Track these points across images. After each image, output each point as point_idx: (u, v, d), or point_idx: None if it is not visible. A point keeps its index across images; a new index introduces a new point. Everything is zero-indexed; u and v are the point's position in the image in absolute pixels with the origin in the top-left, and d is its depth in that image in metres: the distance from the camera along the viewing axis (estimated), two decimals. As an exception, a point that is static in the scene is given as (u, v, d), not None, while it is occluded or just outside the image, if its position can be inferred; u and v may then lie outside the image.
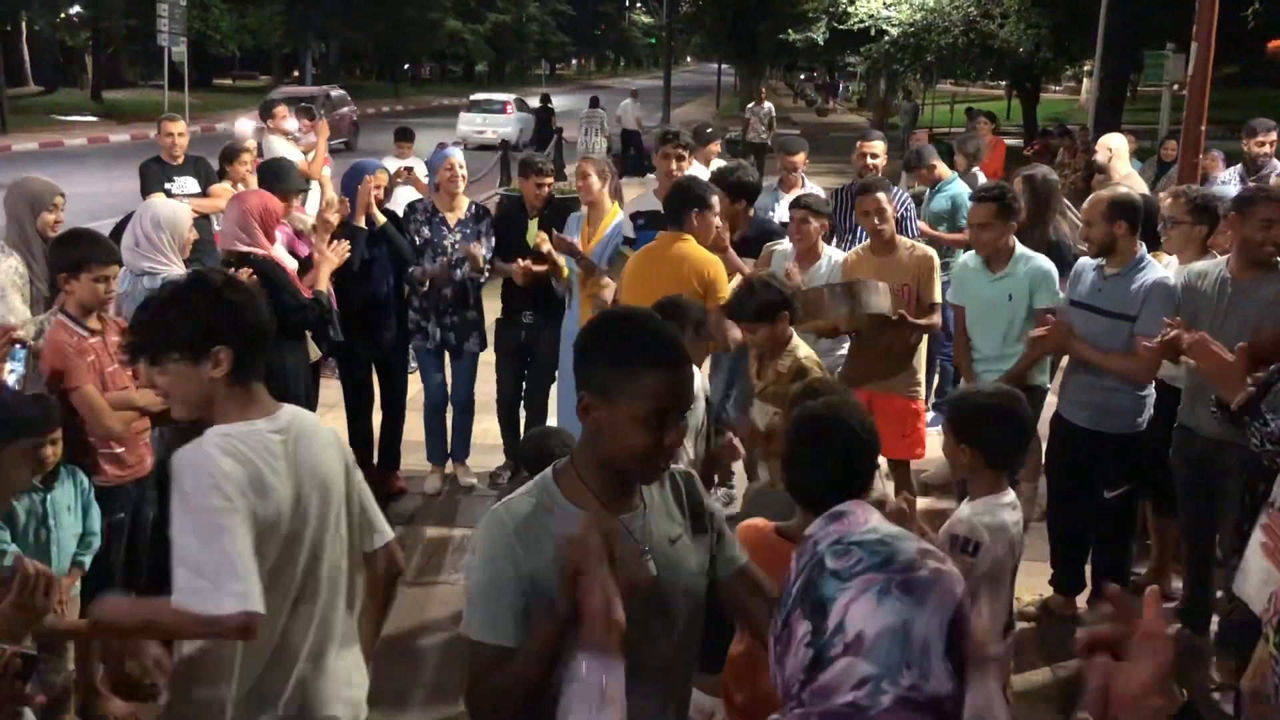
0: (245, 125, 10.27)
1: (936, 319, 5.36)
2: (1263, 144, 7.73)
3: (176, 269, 4.52)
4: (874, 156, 6.81)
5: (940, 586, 1.31)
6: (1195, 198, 4.91)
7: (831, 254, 5.60)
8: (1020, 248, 4.97)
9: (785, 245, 5.59)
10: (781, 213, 6.44)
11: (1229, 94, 30.33)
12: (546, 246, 5.65)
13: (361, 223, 5.66)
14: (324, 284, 5.07)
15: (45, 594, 1.95)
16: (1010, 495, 3.24)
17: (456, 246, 5.92)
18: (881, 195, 5.34)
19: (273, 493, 2.33)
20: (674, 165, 5.87)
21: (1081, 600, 4.91)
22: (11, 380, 2.14)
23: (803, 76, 64.09)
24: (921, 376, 5.41)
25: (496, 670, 1.95)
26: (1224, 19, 6.32)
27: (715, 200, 4.89)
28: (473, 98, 30.66)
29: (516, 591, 1.97)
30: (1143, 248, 4.59)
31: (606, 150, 20.75)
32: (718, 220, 4.93)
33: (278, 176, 5.63)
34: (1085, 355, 4.57)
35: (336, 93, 28.22)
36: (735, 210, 5.59)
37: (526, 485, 2.11)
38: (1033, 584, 5.11)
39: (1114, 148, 7.44)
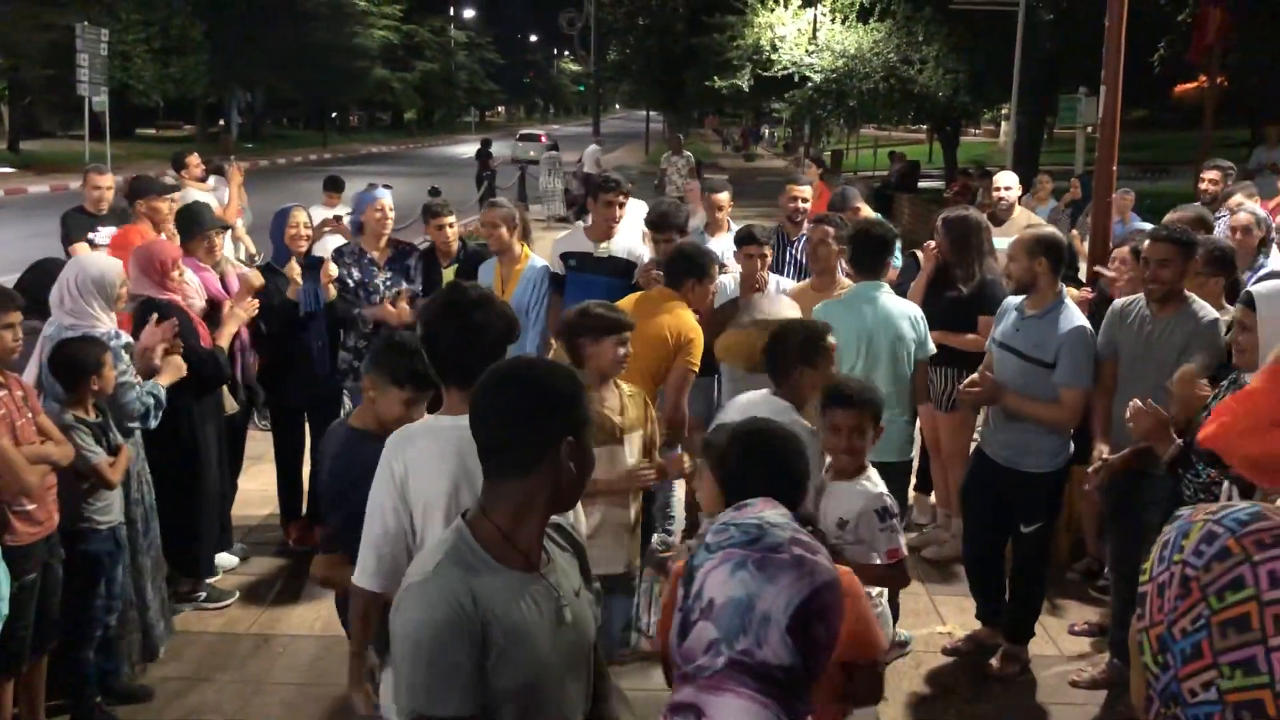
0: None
1: None
2: (1201, 180, 7.87)
3: (106, 325, 4.44)
4: (804, 200, 6.89)
5: (798, 570, 1.41)
6: (1212, 249, 4.82)
7: (779, 280, 5.66)
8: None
9: (726, 279, 5.66)
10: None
11: (1140, 136, 31.38)
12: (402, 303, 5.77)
13: (296, 270, 5.68)
14: (226, 340, 5.17)
15: None
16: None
17: (388, 284, 5.89)
18: (830, 229, 5.41)
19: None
20: (616, 212, 5.87)
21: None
22: None
23: (720, 122, 65.04)
24: None
25: None
26: (1131, 64, 6.53)
27: (715, 271, 5.02)
28: (521, 132, 45.42)
29: (469, 658, 1.91)
30: (1062, 289, 4.66)
31: (564, 191, 20.99)
32: (714, 289, 5.06)
33: (194, 221, 5.68)
34: (1014, 407, 4.56)
35: None
36: (664, 241, 5.69)
37: (435, 546, 2.07)
38: (965, 620, 5.16)
39: (1011, 185, 7.59)
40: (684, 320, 4.83)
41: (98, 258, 5.09)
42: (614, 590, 3.96)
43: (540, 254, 6.15)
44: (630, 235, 6.10)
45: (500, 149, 29.46)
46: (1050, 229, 4.86)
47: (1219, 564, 1.26)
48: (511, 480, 2.02)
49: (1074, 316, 4.55)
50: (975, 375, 4.74)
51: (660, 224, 5.75)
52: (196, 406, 5.11)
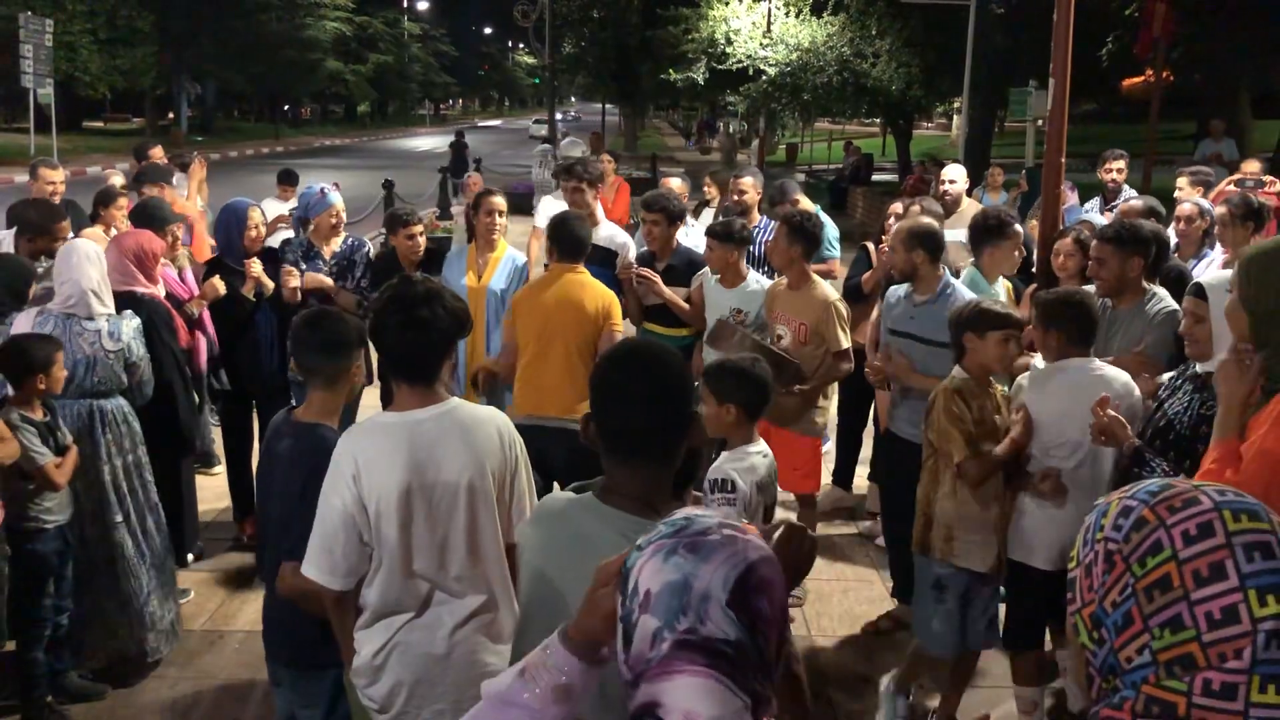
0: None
1: (845, 366, 5.24)
2: (1109, 170, 8.22)
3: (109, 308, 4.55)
4: (743, 192, 6.93)
5: (730, 547, 1.39)
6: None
7: (759, 278, 5.66)
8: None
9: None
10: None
11: (1088, 129, 31.84)
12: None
13: (257, 265, 5.65)
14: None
15: None
16: (761, 444, 3.74)
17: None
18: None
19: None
20: (573, 198, 5.98)
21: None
22: None
23: (678, 114, 65.30)
24: (821, 417, 5.36)
25: None
26: (1080, 58, 6.61)
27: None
28: (535, 118, 55.93)
29: None
30: (946, 274, 4.84)
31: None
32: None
33: (152, 215, 5.61)
34: (921, 386, 4.62)
35: None
36: (669, 235, 5.92)
37: (601, 537, 1.94)
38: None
39: (957, 179, 7.72)
40: (599, 289, 4.98)
41: (91, 244, 4.99)
42: None
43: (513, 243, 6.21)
44: (612, 224, 6.24)
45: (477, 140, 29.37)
46: (926, 220, 4.97)
47: (1137, 534, 1.33)
48: (645, 463, 2.02)
49: (966, 297, 4.69)
50: (874, 360, 4.98)
51: (650, 204, 5.92)
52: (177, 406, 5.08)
